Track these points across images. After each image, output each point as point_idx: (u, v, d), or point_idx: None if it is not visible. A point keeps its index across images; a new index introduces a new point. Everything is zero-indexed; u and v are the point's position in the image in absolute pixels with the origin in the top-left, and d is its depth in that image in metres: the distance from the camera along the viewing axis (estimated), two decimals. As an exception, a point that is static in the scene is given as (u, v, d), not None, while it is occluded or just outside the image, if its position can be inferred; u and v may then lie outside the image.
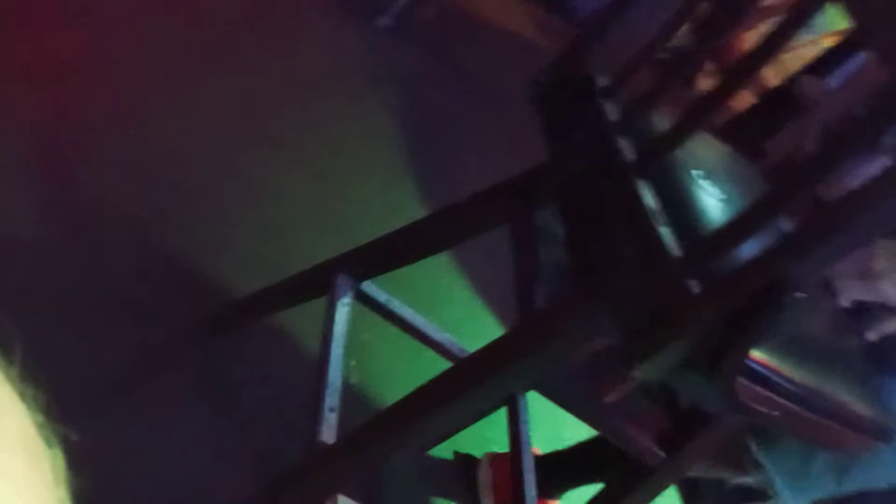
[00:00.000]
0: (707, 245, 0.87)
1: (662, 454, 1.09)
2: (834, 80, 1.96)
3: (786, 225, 0.95)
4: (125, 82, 1.84)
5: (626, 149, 0.99)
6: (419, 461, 1.56)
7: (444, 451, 1.56)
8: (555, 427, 1.65)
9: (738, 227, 0.84)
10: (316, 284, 1.36)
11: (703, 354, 0.86)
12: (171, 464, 1.30)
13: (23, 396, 0.26)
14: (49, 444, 0.27)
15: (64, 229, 1.52)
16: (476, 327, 1.82)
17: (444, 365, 1.42)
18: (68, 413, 0.29)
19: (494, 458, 1.57)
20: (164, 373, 1.44)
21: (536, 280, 1.18)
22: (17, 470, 0.24)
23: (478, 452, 1.59)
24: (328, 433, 1.12)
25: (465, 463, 1.57)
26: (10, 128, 1.60)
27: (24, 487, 0.24)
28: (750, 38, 2.98)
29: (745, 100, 2.01)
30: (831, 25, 2.98)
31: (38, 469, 0.25)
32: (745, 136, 1.55)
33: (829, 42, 2.74)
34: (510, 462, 1.31)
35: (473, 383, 1.06)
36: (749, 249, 0.83)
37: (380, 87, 2.34)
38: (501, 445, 1.41)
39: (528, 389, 1.35)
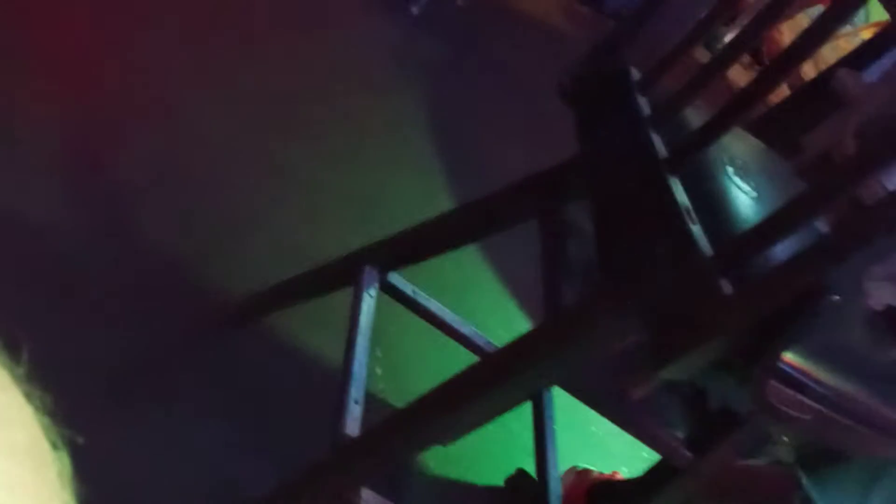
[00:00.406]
0: (740, 244, 0.85)
1: (690, 455, 1.08)
2: (871, 74, 1.92)
3: (822, 226, 0.93)
4: (154, 71, 1.84)
5: (659, 144, 0.97)
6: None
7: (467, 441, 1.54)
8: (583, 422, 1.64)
9: (772, 227, 0.82)
10: (342, 275, 1.35)
11: (734, 356, 0.85)
12: (188, 459, 1.30)
13: (29, 397, 0.26)
14: (55, 446, 0.26)
15: (83, 218, 1.53)
16: (502, 321, 1.81)
17: (470, 357, 1.42)
18: (81, 410, 0.29)
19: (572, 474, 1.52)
20: (182, 367, 1.43)
21: (564, 276, 1.17)
22: (22, 481, 0.24)
23: (502, 446, 1.58)
24: (352, 425, 1.12)
25: (524, 482, 1.52)
26: (33, 115, 1.60)
27: (29, 498, 0.24)
28: (784, 29, 2.94)
29: (779, 92, 1.98)
30: (869, 17, 2.93)
31: (43, 475, 0.25)
32: (779, 131, 1.52)
33: (866, 34, 2.70)
34: (535, 459, 1.30)
35: (499, 379, 1.05)
36: (784, 250, 0.82)
37: (410, 76, 2.33)
38: (526, 439, 1.40)
39: (553, 385, 1.34)
